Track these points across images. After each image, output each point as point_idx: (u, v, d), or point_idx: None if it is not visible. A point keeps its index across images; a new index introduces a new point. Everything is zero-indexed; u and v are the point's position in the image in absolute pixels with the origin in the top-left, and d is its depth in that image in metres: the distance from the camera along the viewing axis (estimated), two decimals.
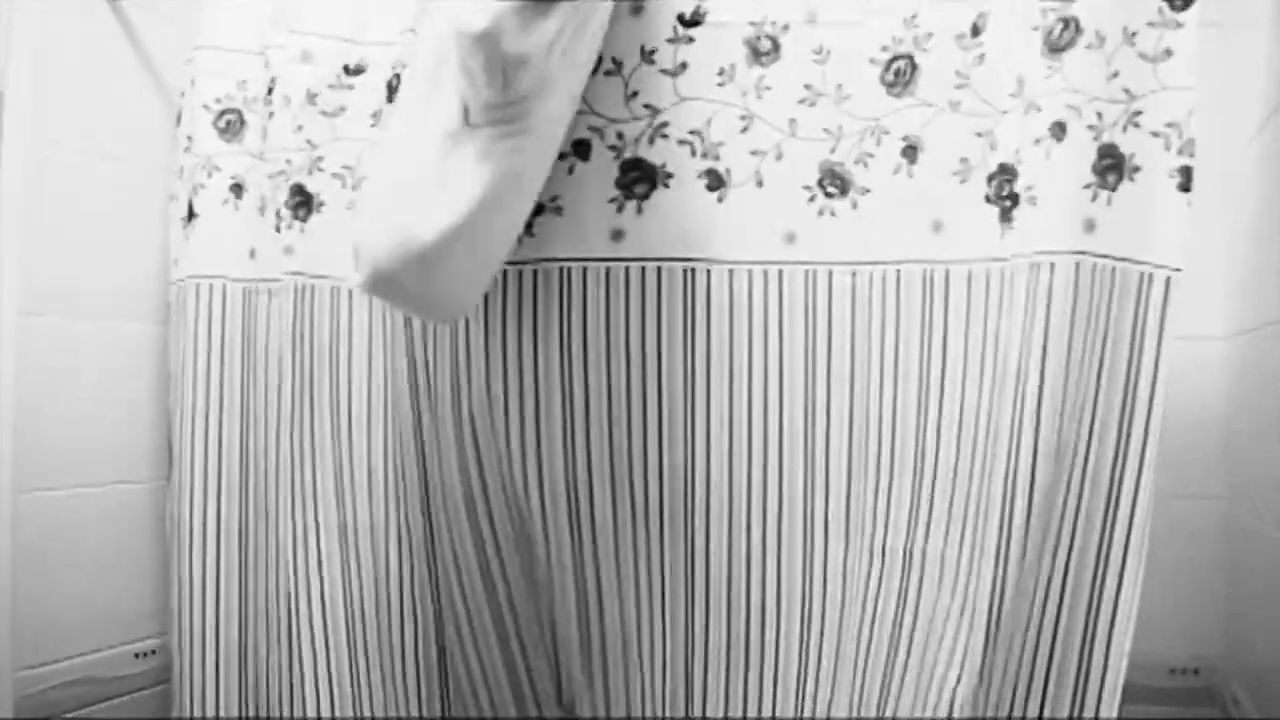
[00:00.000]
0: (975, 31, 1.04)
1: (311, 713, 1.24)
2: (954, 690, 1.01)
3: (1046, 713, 1.02)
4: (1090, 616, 1.00)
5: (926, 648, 1.04)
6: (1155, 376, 0.98)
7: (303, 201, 1.26)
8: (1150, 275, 0.99)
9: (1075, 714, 1.00)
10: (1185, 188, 0.98)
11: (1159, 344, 0.98)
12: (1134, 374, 0.99)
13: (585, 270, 1.14)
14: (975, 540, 1.02)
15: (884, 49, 1.07)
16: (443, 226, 0.95)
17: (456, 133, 0.98)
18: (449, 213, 0.95)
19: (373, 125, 1.26)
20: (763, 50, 1.11)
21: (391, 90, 1.24)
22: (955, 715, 1.01)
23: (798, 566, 1.10)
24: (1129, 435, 0.99)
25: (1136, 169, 0.99)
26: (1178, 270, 0.98)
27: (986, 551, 1.01)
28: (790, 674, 1.10)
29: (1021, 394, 1.01)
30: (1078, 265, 1.01)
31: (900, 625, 1.06)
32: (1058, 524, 1.02)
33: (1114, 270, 1.00)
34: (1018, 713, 1.03)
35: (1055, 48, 1.02)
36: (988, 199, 1.03)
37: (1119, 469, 0.99)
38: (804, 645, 1.10)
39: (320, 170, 1.27)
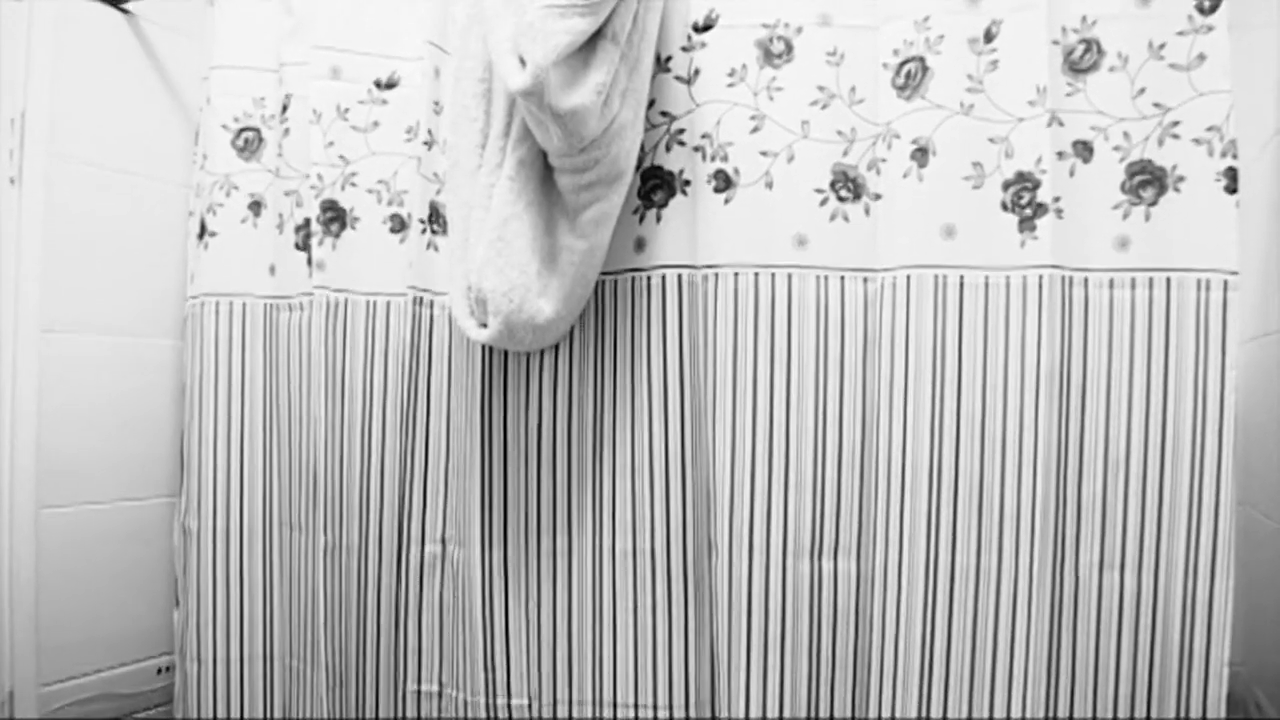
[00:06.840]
0: (989, 37, 1.04)
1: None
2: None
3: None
4: (1185, 628, 0.99)
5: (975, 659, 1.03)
6: (1223, 379, 0.98)
7: (335, 217, 1.26)
8: (1207, 281, 0.99)
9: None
10: (1232, 189, 0.98)
11: (1224, 347, 0.98)
12: (1202, 379, 0.99)
13: (615, 282, 1.16)
14: (993, 550, 1.02)
15: (895, 52, 1.07)
16: (554, 312, 1.08)
17: (553, 200, 1.09)
18: (558, 295, 1.08)
19: (408, 140, 1.27)
20: (775, 52, 1.11)
21: (437, 107, 1.25)
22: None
23: (804, 572, 1.10)
24: (1204, 442, 0.98)
25: (1181, 179, 1.00)
26: (1234, 273, 0.98)
27: (1006, 561, 1.01)
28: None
29: (1059, 403, 1.01)
30: (1111, 281, 1.01)
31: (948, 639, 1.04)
32: (1120, 535, 1.01)
33: (1168, 281, 1.00)
34: None
35: (1077, 68, 1.02)
36: (1004, 206, 1.03)
37: (1197, 478, 0.99)
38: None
39: (353, 185, 1.27)
